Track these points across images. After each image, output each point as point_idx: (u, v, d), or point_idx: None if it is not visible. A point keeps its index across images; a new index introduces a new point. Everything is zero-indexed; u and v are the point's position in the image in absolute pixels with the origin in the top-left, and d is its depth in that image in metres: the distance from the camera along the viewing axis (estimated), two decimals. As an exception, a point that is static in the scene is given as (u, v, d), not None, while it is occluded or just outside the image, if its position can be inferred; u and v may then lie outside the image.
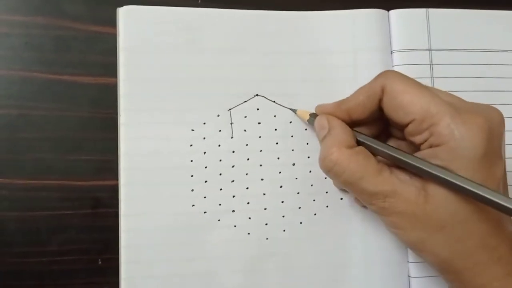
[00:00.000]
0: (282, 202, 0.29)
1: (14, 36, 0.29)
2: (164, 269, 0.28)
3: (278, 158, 0.30)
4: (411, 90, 0.24)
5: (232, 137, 0.30)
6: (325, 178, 0.30)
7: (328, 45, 0.31)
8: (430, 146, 0.24)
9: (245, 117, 0.30)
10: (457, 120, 0.23)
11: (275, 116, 0.30)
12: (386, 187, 0.24)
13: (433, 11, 0.31)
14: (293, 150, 0.30)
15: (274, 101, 0.30)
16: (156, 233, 0.28)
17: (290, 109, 0.30)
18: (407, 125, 0.24)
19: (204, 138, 0.29)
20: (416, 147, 0.25)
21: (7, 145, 0.28)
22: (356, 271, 0.29)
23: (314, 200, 0.30)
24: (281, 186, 0.30)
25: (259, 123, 0.30)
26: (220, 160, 0.29)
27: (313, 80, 0.30)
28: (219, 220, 0.29)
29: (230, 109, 0.30)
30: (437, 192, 0.23)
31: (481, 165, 0.22)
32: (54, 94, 0.29)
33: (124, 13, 0.29)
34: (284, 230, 0.29)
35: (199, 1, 0.31)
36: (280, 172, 0.30)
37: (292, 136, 0.30)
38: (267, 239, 0.29)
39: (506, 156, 0.25)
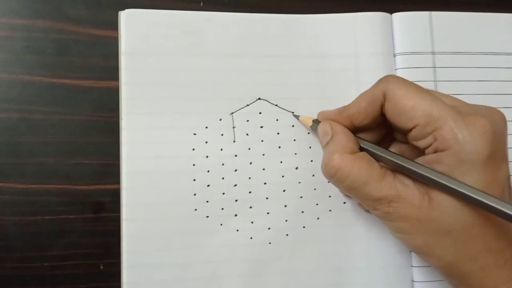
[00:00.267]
0: (285, 206, 0.29)
1: (15, 39, 0.29)
2: (166, 274, 0.28)
3: (281, 162, 0.30)
4: (413, 94, 0.24)
5: (234, 141, 0.29)
6: (328, 182, 0.29)
7: (330, 48, 0.31)
8: (435, 151, 0.24)
9: (248, 121, 0.30)
10: (460, 124, 0.22)
11: (277, 120, 0.30)
12: (390, 192, 0.24)
13: (436, 14, 0.31)
14: (296, 154, 0.30)
15: (276, 105, 0.30)
16: (158, 238, 0.28)
17: (293, 115, 0.30)
18: (410, 130, 0.24)
19: (206, 142, 0.29)
20: (420, 151, 0.25)
21: (8, 149, 0.28)
22: (359, 275, 0.29)
23: (317, 204, 0.30)
24: (284, 190, 0.29)
25: (261, 127, 0.30)
26: (223, 164, 0.29)
27: (316, 83, 0.30)
28: (221, 225, 0.29)
29: (232, 113, 0.30)
30: (442, 198, 0.23)
31: (486, 170, 0.22)
32: (56, 98, 0.29)
33: (125, 17, 0.29)
34: (287, 234, 0.29)
35: (201, 4, 0.31)
36: (283, 176, 0.29)
37: (294, 140, 0.30)
38: (269, 243, 0.29)
39: (511, 159, 0.24)
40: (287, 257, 0.29)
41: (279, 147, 0.30)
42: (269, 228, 0.29)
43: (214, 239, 0.28)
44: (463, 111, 0.23)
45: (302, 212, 0.29)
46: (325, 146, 0.27)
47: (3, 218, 0.28)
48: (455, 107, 0.24)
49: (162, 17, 0.29)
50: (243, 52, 0.30)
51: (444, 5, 0.32)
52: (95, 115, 0.29)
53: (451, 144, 0.22)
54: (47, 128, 0.29)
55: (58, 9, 0.29)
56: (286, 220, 0.29)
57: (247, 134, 0.30)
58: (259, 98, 0.30)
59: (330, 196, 0.30)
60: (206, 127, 0.29)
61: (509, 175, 0.24)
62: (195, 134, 0.29)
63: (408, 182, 0.24)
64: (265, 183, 0.29)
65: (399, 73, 0.31)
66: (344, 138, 0.26)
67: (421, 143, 0.24)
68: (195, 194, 0.29)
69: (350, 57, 0.31)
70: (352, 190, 0.25)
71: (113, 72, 0.29)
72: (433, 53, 0.31)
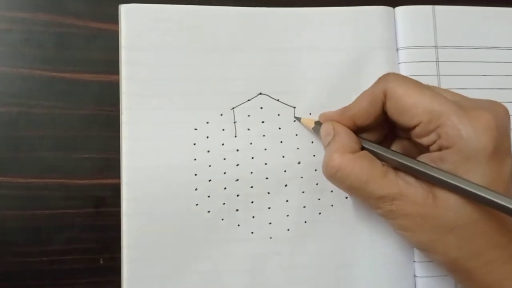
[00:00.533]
0: (287, 201, 0.29)
1: (15, 32, 0.29)
2: (167, 269, 0.28)
3: (283, 157, 0.29)
4: (413, 92, 0.24)
5: (235, 136, 0.29)
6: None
7: (332, 42, 0.30)
8: (439, 148, 0.23)
9: (249, 116, 0.29)
10: (463, 120, 0.22)
11: (279, 114, 0.30)
12: (393, 190, 0.23)
13: (439, 8, 0.31)
14: (298, 148, 0.30)
15: (278, 100, 0.30)
16: (158, 233, 0.28)
17: (295, 117, 0.30)
18: (413, 127, 0.24)
19: (207, 137, 0.29)
20: (425, 148, 0.25)
21: (8, 143, 0.28)
22: (361, 270, 0.29)
23: (319, 199, 0.29)
24: (286, 185, 0.29)
25: (262, 121, 0.30)
26: (224, 159, 0.29)
27: (317, 78, 0.30)
28: (222, 219, 0.28)
29: (233, 108, 0.29)
30: (446, 195, 0.23)
31: (490, 165, 0.22)
32: (56, 92, 0.29)
33: (126, 11, 0.29)
34: (288, 229, 0.29)
35: (202, -2, 0.31)
36: (285, 171, 0.29)
37: (296, 135, 0.30)
38: (270, 238, 0.29)
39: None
40: (288, 252, 0.29)
41: (281, 142, 0.30)
42: (270, 223, 0.29)
43: (215, 234, 0.28)
44: (465, 106, 0.23)
45: (304, 207, 0.29)
46: (326, 146, 0.26)
47: (3, 212, 0.28)
48: (457, 102, 0.23)
49: (163, 12, 0.29)
50: (244, 47, 0.30)
51: (447, -1, 0.32)
52: (96, 109, 0.29)
53: (455, 140, 0.22)
54: (47, 122, 0.28)
55: (59, 3, 0.29)
56: (288, 215, 0.29)
57: (249, 129, 0.29)
58: (260, 93, 0.30)
59: (332, 191, 0.29)
60: (207, 122, 0.29)
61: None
62: (196, 129, 0.29)
63: (410, 179, 0.24)
64: (267, 178, 0.29)
65: (402, 67, 0.30)
66: (345, 138, 0.26)
67: (424, 141, 0.24)
68: (196, 189, 0.28)
69: (352, 51, 0.30)
70: (354, 190, 0.25)
71: (113, 66, 0.29)
72: (436, 47, 0.31)
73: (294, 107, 0.30)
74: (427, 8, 0.31)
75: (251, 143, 0.29)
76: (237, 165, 0.29)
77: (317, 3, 0.31)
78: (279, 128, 0.30)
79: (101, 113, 0.29)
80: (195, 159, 0.29)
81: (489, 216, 0.22)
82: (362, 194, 0.24)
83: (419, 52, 0.30)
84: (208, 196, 0.28)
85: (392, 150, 0.26)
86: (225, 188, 0.29)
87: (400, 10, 0.31)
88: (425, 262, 0.29)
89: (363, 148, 0.26)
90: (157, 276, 0.28)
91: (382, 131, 0.28)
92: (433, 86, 0.26)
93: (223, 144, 0.29)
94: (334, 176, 0.25)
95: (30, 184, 0.28)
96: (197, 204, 0.28)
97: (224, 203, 0.29)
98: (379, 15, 0.31)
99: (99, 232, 0.28)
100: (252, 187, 0.29)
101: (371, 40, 0.30)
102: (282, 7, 0.30)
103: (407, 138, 0.27)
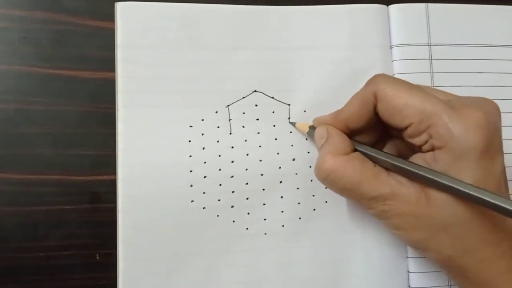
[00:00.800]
0: (282, 197, 0.29)
1: (12, 30, 0.29)
2: (163, 265, 0.28)
3: (278, 154, 0.30)
4: (403, 93, 0.24)
5: (230, 133, 0.29)
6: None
7: (327, 40, 0.31)
8: (432, 148, 0.23)
9: (244, 113, 0.30)
10: (454, 119, 0.22)
11: (273, 112, 0.30)
12: (385, 190, 0.24)
13: (432, 6, 0.31)
14: (292, 145, 0.30)
15: (272, 97, 0.30)
16: (154, 229, 0.28)
17: (290, 122, 0.30)
18: (405, 128, 0.24)
19: (202, 134, 0.29)
20: (417, 148, 0.25)
21: (5, 140, 0.28)
22: (355, 266, 0.29)
23: (313, 196, 0.30)
24: (280, 182, 0.29)
25: (257, 119, 0.30)
26: (219, 156, 0.29)
27: (312, 76, 0.30)
28: (218, 216, 0.29)
29: (228, 105, 0.30)
30: (439, 195, 0.23)
31: (482, 163, 0.22)
32: (52, 89, 0.29)
33: (122, 9, 0.29)
34: (283, 226, 0.29)
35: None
36: (280, 168, 0.29)
37: (291, 132, 0.30)
38: (265, 234, 0.29)
39: (507, 151, 0.24)
40: (283, 248, 0.29)
41: (276, 139, 0.30)
42: (265, 219, 0.29)
43: (210, 230, 0.28)
44: (456, 104, 0.23)
45: (299, 203, 0.29)
46: (320, 149, 0.27)
47: (0, 208, 0.28)
48: (448, 102, 0.23)
49: (158, 10, 0.29)
50: (239, 44, 0.30)
51: (440, -3, 0.32)
52: (92, 106, 0.29)
53: (447, 140, 0.22)
54: (44, 119, 0.29)
55: (56, 1, 0.29)
56: (282, 211, 0.29)
57: (243, 126, 0.30)
58: (255, 91, 0.30)
59: (326, 188, 0.30)
60: (202, 120, 0.29)
61: (504, 168, 0.24)
62: (191, 126, 0.29)
63: (402, 180, 0.24)
64: (261, 175, 0.29)
65: (396, 65, 0.31)
66: (338, 140, 0.26)
67: (416, 141, 0.24)
68: (191, 186, 0.29)
69: (346, 49, 0.31)
70: (347, 191, 0.25)
71: (110, 63, 0.29)
72: (429, 44, 0.31)
73: (289, 105, 0.30)
74: (421, 6, 0.31)
75: (245, 140, 0.29)
76: (232, 161, 0.29)
77: (311, 1, 0.31)
78: (274, 126, 0.30)
79: (97, 110, 0.29)
80: (190, 156, 0.29)
81: (481, 215, 0.23)
82: (355, 195, 0.24)
83: (412, 50, 0.31)
84: (204, 193, 0.29)
85: (385, 152, 0.26)
86: (220, 185, 0.29)
87: (394, 8, 0.31)
88: (419, 258, 0.30)
89: (355, 151, 0.26)
90: (152, 272, 0.28)
91: (376, 132, 0.28)
92: (423, 86, 0.26)
93: (218, 141, 0.29)
94: (327, 178, 0.25)
95: (27, 181, 0.28)
96: (192, 201, 0.28)
97: (219, 200, 0.29)
98: (373, 13, 0.31)
99: (96, 228, 0.28)
100: (247, 183, 0.29)
101: (365, 38, 0.31)
102: (277, 5, 0.30)
103: (400, 138, 0.27)
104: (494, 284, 0.23)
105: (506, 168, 0.24)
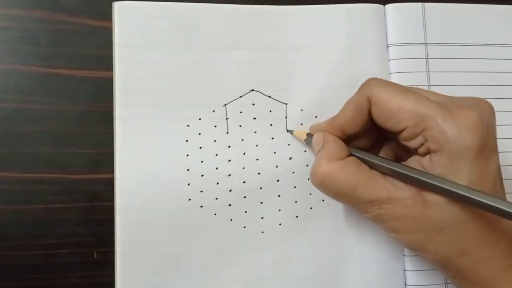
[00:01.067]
0: (279, 196, 0.29)
1: (11, 29, 0.29)
2: (160, 263, 0.28)
3: (275, 153, 0.30)
4: (397, 96, 0.24)
5: (227, 133, 0.30)
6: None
7: (323, 39, 0.31)
8: (427, 150, 0.23)
9: (241, 112, 0.30)
10: (448, 121, 0.22)
11: (270, 111, 0.30)
12: (381, 194, 0.24)
13: (429, 5, 0.31)
14: (289, 144, 0.30)
15: (269, 96, 0.30)
16: (152, 227, 0.28)
17: (288, 130, 0.30)
18: (400, 131, 0.24)
19: (199, 133, 0.29)
20: (413, 151, 0.25)
21: (4, 139, 0.28)
22: (352, 264, 0.29)
23: (310, 194, 0.30)
24: (278, 180, 0.30)
25: (254, 118, 0.30)
26: (216, 155, 0.29)
27: (309, 75, 0.30)
28: (215, 214, 0.29)
29: (225, 104, 0.30)
30: (435, 197, 0.23)
31: (477, 164, 0.22)
32: (51, 88, 0.29)
33: (119, 8, 0.29)
34: (280, 224, 0.29)
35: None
36: (277, 166, 0.30)
37: (288, 131, 0.30)
38: (262, 232, 0.29)
39: (502, 150, 0.24)
40: (280, 247, 0.29)
41: (272, 138, 0.30)
42: (262, 218, 0.29)
43: (208, 228, 0.29)
44: (450, 106, 0.23)
45: (296, 202, 0.30)
46: (316, 154, 0.27)
47: (-1, 207, 0.28)
48: (442, 103, 0.23)
49: (156, 9, 0.29)
50: (237, 44, 0.30)
51: (437, -4, 0.32)
52: (90, 106, 0.29)
53: (442, 142, 0.22)
54: (42, 118, 0.29)
55: (54, 0, 0.30)
56: (279, 210, 0.29)
57: (240, 126, 0.30)
58: (252, 90, 0.30)
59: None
60: (200, 119, 0.29)
61: (499, 167, 0.24)
62: (188, 125, 0.29)
63: (398, 183, 0.24)
64: (259, 173, 0.29)
65: (392, 64, 0.31)
66: (334, 146, 0.26)
67: (412, 144, 0.24)
68: (189, 184, 0.29)
69: (343, 48, 0.31)
70: (342, 196, 0.25)
71: (108, 63, 0.29)
72: (425, 44, 0.31)
73: (286, 104, 0.30)
74: (417, 5, 0.31)
75: (242, 139, 0.30)
76: (229, 160, 0.29)
77: (308, 0, 0.31)
78: (271, 125, 0.30)
79: (95, 109, 0.29)
80: (187, 155, 0.29)
81: (477, 216, 0.23)
82: (351, 199, 0.24)
83: (409, 49, 0.31)
84: (201, 191, 0.29)
85: (380, 157, 0.26)
86: (217, 183, 0.29)
87: (390, 7, 0.31)
88: (415, 256, 0.30)
89: (352, 156, 0.26)
90: (150, 270, 0.28)
91: (373, 136, 0.28)
92: (417, 89, 0.26)
93: (215, 141, 0.29)
94: (322, 183, 0.25)
95: (25, 179, 0.28)
96: (190, 199, 0.29)
97: (216, 198, 0.29)
98: (369, 12, 0.31)
99: (94, 226, 0.29)
100: (244, 182, 0.29)
101: (362, 37, 0.31)
102: (274, 5, 0.31)
103: (397, 141, 0.27)
104: (491, 284, 0.23)
105: (503, 167, 0.24)
